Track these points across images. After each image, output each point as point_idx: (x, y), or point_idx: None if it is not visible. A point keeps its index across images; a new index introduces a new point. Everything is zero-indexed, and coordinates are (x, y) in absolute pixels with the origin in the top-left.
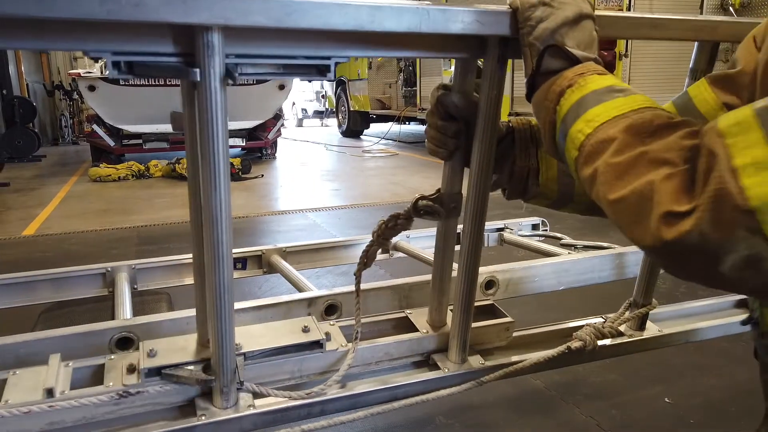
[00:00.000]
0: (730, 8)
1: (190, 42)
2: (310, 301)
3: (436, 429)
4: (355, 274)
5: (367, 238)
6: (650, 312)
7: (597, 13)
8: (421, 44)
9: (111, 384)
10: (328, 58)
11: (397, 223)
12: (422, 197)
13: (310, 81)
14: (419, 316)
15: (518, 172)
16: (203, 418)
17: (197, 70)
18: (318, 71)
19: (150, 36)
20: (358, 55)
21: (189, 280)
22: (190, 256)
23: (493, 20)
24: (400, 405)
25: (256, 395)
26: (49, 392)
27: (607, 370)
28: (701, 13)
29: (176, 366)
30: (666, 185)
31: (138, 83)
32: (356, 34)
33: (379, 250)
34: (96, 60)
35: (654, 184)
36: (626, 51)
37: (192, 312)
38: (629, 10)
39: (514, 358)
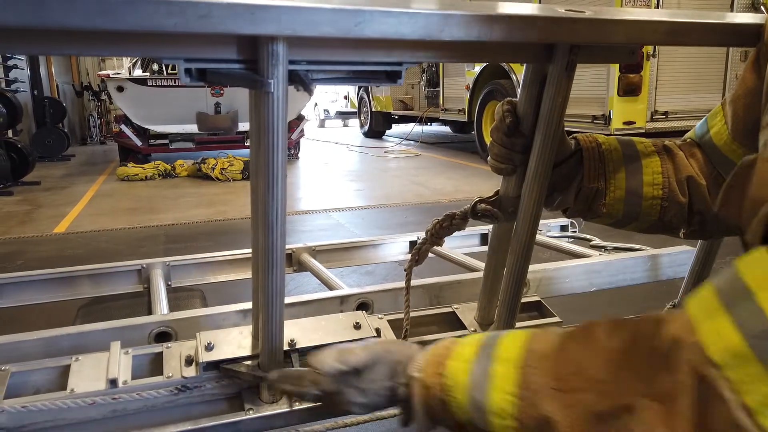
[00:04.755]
0: (762, 7)
1: (253, 50)
2: (343, 299)
3: None
4: (405, 270)
5: (396, 238)
6: None
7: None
8: (490, 51)
9: (170, 375)
10: (399, 63)
11: (452, 222)
12: (481, 200)
13: (378, 86)
14: (466, 312)
15: (585, 192)
16: (251, 412)
17: (272, 81)
18: (387, 77)
19: (216, 44)
20: (428, 61)
21: (222, 278)
22: (223, 253)
23: (564, 28)
24: None
25: None
26: (113, 382)
27: None
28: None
29: (233, 360)
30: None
31: (165, 84)
32: (425, 42)
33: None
34: (142, 63)
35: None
36: (654, 51)
37: (228, 308)
38: (657, 8)
39: None
